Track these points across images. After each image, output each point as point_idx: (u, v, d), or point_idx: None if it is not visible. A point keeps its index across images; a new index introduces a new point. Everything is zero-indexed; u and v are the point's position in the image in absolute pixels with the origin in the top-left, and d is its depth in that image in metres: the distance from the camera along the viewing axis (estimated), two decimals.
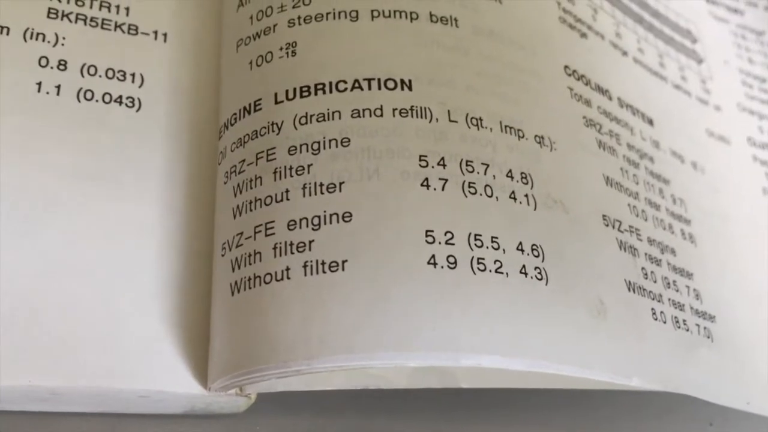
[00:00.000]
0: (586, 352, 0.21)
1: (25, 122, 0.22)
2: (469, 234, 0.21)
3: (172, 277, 0.22)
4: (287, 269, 0.20)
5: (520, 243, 0.21)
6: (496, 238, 0.21)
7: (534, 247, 0.21)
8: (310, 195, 0.21)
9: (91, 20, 0.24)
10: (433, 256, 0.20)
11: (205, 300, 0.22)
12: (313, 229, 0.20)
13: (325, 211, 0.21)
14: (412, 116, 0.22)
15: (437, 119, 0.22)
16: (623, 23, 0.31)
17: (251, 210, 0.21)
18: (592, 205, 0.24)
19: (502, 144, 0.22)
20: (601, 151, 0.25)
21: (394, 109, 0.22)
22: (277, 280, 0.20)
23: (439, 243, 0.20)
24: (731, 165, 0.31)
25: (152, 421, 0.22)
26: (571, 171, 0.24)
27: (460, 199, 0.21)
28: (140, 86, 0.24)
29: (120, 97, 0.23)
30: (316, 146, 0.21)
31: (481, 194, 0.21)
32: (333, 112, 0.22)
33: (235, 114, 0.23)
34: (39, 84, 0.23)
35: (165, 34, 0.25)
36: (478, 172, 0.22)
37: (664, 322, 0.23)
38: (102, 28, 0.24)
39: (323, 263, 0.20)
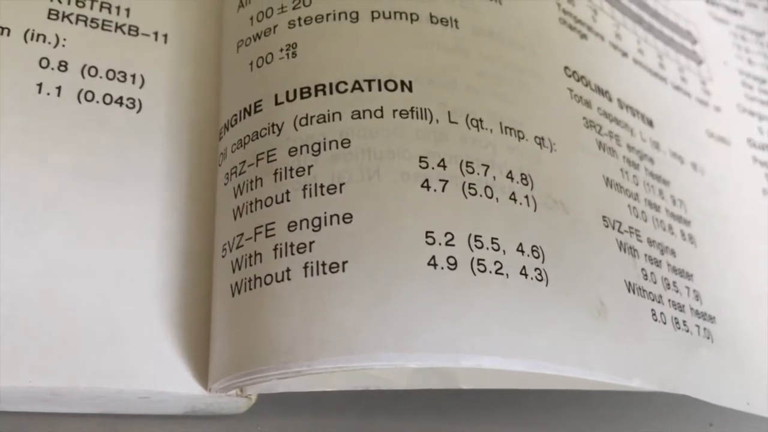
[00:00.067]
0: (587, 352, 0.21)
1: (25, 123, 0.22)
2: (470, 235, 0.21)
3: (173, 278, 0.22)
4: (288, 270, 0.20)
5: (521, 244, 0.21)
6: (497, 239, 0.21)
7: (534, 248, 0.21)
8: (310, 196, 0.21)
9: (92, 21, 0.24)
10: (434, 257, 0.20)
11: (205, 301, 0.22)
12: (313, 230, 0.20)
13: (325, 212, 0.21)
14: (412, 117, 0.22)
15: (437, 120, 0.22)
16: (623, 24, 0.31)
17: (252, 211, 0.21)
18: (592, 206, 0.24)
19: (502, 145, 0.22)
20: (601, 152, 0.25)
21: (394, 110, 0.22)
22: (277, 281, 0.20)
23: (440, 244, 0.20)
24: (731, 166, 0.31)
25: (153, 421, 0.22)
26: (571, 172, 0.24)
27: (461, 200, 0.21)
28: (141, 87, 0.24)
29: (120, 98, 0.23)
30: (316, 147, 0.21)
31: (481, 195, 0.21)
32: (333, 113, 0.22)
33: (235, 115, 0.23)
34: (40, 85, 0.23)
35: (165, 35, 0.25)
36: (478, 173, 0.22)
37: (664, 323, 0.23)
38: (102, 29, 0.24)
39: (324, 264, 0.20)
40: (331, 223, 0.20)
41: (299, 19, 0.24)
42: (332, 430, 0.23)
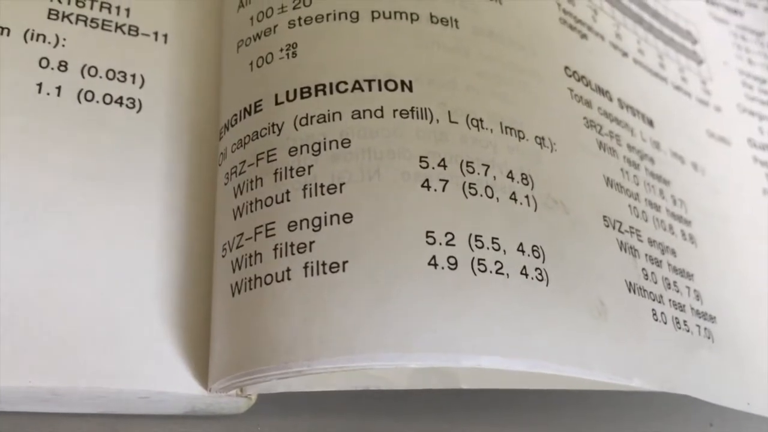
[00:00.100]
0: (587, 352, 0.21)
1: (25, 123, 0.22)
2: (470, 235, 0.21)
3: (173, 278, 0.22)
4: (288, 270, 0.20)
5: (521, 244, 0.21)
6: (497, 239, 0.21)
7: (534, 247, 0.21)
8: (310, 196, 0.21)
9: (92, 21, 0.24)
10: (434, 257, 0.20)
11: (205, 301, 0.22)
12: (313, 229, 0.20)
13: (325, 212, 0.21)
14: (412, 117, 0.22)
15: (438, 120, 0.22)
16: (623, 24, 0.31)
17: (252, 211, 0.21)
18: (593, 206, 0.24)
19: (502, 145, 0.22)
20: (601, 152, 0.25)
21: (394, 110, 0.22)
22: (277, 281, 0.20)
23: (440, 244, 0.20)
24: (731, 166, 0.31)
25: (153, 421, 0.22)
26: (571, 172, 0.24)
27: (461, 200, 0.21)
28: (141, 87, 0.24)
29: (120, 98, 0.23)
30: (316, 147, 0.21)
31: (481, 195, 0.21)
32: (333, 113, 0.22)
33: (235, 115, 0.23)
34: (39, 85, 0.23)
35: (165, 35, 0.25)
36: (478, 173, 0.22)
37: (665, 323, 0.23)
38: (102, 29, 0.24)
39: (324, 264, 0.20)
40: (331, 223, 0.20)
41: (299, 18, 0.24)
42: (332, 430, 0.23)
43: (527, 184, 0.22)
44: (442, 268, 0.20)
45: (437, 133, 0.22)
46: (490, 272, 0.20)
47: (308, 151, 0.21)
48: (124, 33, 0.24)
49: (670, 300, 0.24)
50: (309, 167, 0.21)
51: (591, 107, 0.26)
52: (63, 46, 0.23)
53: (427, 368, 0.22)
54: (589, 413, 0.25)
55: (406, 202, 0.21)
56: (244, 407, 0.23)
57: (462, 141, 0.22)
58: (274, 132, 0.22)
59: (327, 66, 0.23)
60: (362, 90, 0.22)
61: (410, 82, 0.23)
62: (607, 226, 0.24)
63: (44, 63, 0.23)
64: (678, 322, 0.24)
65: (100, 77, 0.24)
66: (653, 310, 0.23)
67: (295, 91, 0.22)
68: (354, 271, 0.20)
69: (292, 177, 0.21)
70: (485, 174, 0.22)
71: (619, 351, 0.22)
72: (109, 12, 0.25)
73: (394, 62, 0.23)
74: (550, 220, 0.22)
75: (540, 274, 0.21)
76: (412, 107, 0.22)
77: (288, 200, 0.21)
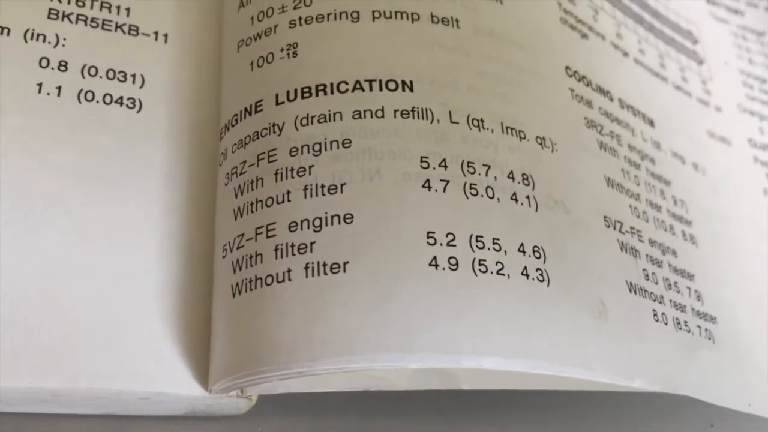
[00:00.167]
0: (588, 353, 0.21)
1: (25, 123, 0.22)
2: (471, 235, 0.20)
3: (173, 278, 0.22)
4: (288, 271, 0.20)
5: (522, 244, 0.21)
6: (498, 239, 0.21)
7: (535, 248, 0.21)
8: (311, 196, 0.21)
9: (92, 21, 0.24)
10: (435, 258, 0.20)
11: (205, 301, 0.22)
12: (314, 230, 0.20)
13: (326, 213, 0.20)
14: (413, 117, 0.22)
15: (438, 120, 0.22)
16: (624, 24, 0.31)
17: (252, 211, 0.21)
18: (594, 207, 0.24)
19: (503, 145, 0.22)
20: (602, 152, 0.25)
21: (395, 110, 0.22)
22: (278, 282, 0.20)
23: (441, 244, 0.20)
24: (732, 166, 0.31)
25: (153, 422, 0.22)
26: (572, 172, 0.24)
27: (462, 201, 0.21)
28: (141, 87, 0.24)
29: (121, 97, 0.23)
30: (317, 147, 0.21)
31: (482, 195, 0.21)
32: (334, 113, 0.22)
33: (236, 115, 0.23)
34: (40, 85, 0.23)
35: (166, 35, 0.25)
36: (479, 174, 0.22)
37: (666, 324, 0.23)
38: (103, 28, 0.24)
39: (324, 265, 0.20)
40: (332, 224, 0.20)
41: (300, 18, 0.24)
42: (333, 431, 0.23)
43: (528, 185, 0.22)
44: (443, 268, 0.20)
45: (438, 133, 0.22)
46: (491, 273, 0.20)
47: (309, 152, 0.21)
48: (124, 33, 0.24)
49: (670, 300, 0.24)
50: (310, 167, 0.21)
51: (592, 107, 0.26)
52: (63, 45, 0.23)
53: (427, 369, 0.22)
54: (590, 413, 0.25)
55: (406, 202, 0.21)
56: (244, 408, 0.23)
57: (463, 141, 0.22)
58: (274, 132, 0.22)
59: (328, 66, 0.23)
60: (363, 90, 0.22)
61: (411, 82, 0.23)
62: (608, 227, 0.24)
63: (44, 63, 0.23)
64: (679, 323, 0.24)
65: (101, 77, 0.23)
66: (654, 310, 0.23)
67: (295, 91, 0.22)
68: (355, 271, 0.20)
69: (292, 177, 0.21)
70: (486, 174, 0.22)
71: (619, 351, 0.22)
72: (109, 12, 0.25)
73: (394, 62, 0.23)
74: (551, 221, 0.22)
75: (541, 274, 0.21)
76: (413, 107, 0.22)
77: (289, 201, 0.21)
